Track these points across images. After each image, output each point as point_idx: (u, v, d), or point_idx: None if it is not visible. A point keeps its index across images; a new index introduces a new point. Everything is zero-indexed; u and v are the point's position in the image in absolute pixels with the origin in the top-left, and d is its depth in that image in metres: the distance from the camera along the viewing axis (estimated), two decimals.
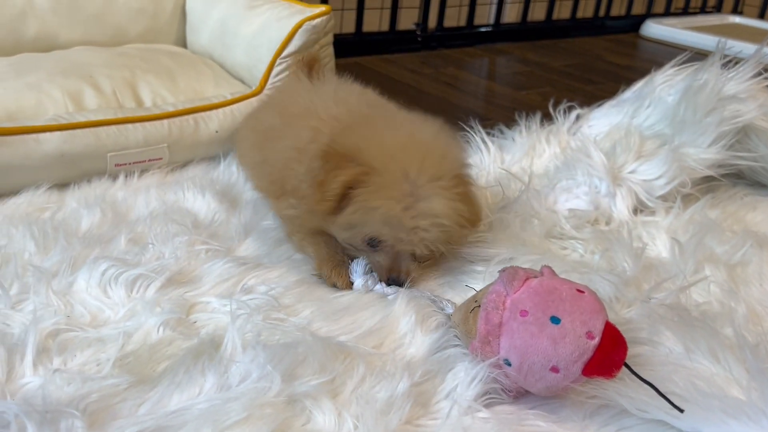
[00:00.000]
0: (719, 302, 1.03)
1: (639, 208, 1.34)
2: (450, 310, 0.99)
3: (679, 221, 1.29)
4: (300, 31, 1.54)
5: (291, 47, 1.54)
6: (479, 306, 0.87)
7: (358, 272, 1.06)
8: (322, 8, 1.58)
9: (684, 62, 1.56)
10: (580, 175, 1.35)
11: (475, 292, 0.94)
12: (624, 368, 0.82)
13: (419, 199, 0.95)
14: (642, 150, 1.41)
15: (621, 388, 0.80)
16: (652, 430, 0.82)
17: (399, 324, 0.96)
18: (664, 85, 1.52)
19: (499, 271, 0.87)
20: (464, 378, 0.85)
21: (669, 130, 1.45)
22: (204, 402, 0.78)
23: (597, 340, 0.80)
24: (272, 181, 1.13)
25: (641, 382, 0.81)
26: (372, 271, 1.05)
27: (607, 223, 1.29)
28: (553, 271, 0.89)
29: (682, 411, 0.78)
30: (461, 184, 1.00)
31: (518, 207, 1.24)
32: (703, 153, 1.39)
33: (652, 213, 1.34)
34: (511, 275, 0.86)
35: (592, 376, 0.80)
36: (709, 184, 1.46)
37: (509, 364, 0.83)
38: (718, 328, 0.94)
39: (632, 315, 0.97)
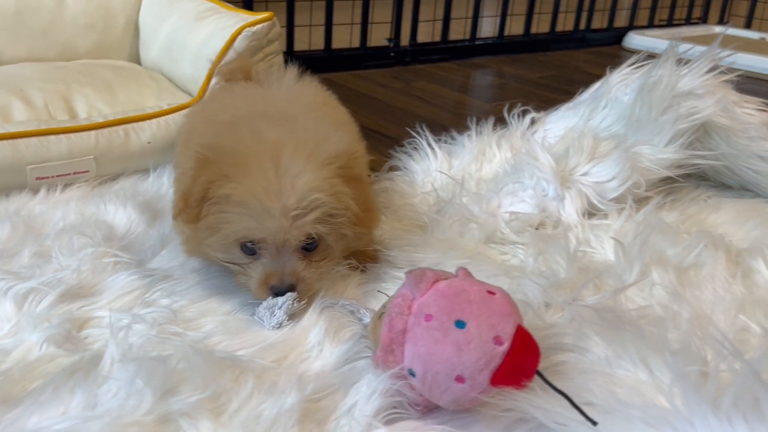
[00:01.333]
0: (662, 306, 0.94)
1: (590, 212, 1.26)
2: (368, 319, 0.91)
3: (630, 224, 1.20)
4: (239, 37, 1.49)
5: (230, 55, 1.48)
6: (386, 313, 0.79)
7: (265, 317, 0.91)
8: (265, 14, 1.53)
9: (642, 61, 1.49)
10: (527, 178, 1.28)
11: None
12: (536, 377, 0.74)
13: (286, 178, 0.84)
14: (596, 152, 1.34)
15: (535, 400, 0.72)
16: None
17: (307, 336, 0.89)
18: (620, 85, 1.45)
19: (406, 273, 0.80)
20: (365, 391, 0.77)
21: (624, 130, 1.38)
22: (63, 422, 0.70)
23: (506, 345, 0.72)
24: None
25: (556, 393, 0.73)
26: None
27: (555, 227, 1.21)
28: (468, 273, 0.82)
29: (595, 423, 0.70)
30: (346, 168, 0.89)
31: (453, 210, 1.16)
32: (659, 153, 1.32)
33: (605, 216, 1.26)
34: (418, 277, 0.78)
35: (501, 386, 0.72)
36: (670, 186, 1.38)
37: (413, 375, 0.75)
38: (657, 333, 0.85)
39: (560, 320, 0.89)
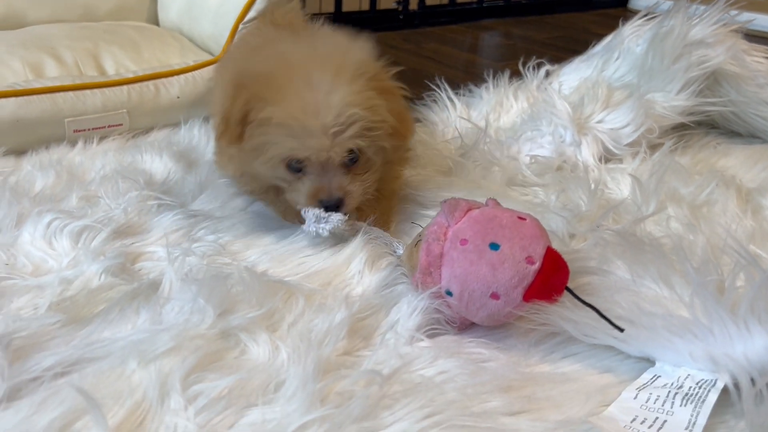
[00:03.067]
0: (678, 236, 1.00)
1: (606, 157, 1.32)
2: (401, 251, 0.97)
3: (645, 166, 1.26)
4: None
5: (253, 11, 1.52)
6: (422, 240, 0.85)
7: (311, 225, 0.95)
8: None
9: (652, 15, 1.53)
10: (544, 125, 1.33)
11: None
12: (566, 293, 0.80)
13: (321, 96, 0.86)
14: (610, 100, 1.39)
15: (564, 313, 0.78)
16: (599, 355, 0.80)
17: (349, 265, 0.94)
18: (632, 36, 1.49)
19: (441, 203, 0.85)
20: (406, 310, 0.83)
21: (637, 79, 1.42)
22: (134, 334, 0.76)
23: (537, 264, 0.78)
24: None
25: (585, 307, 0.79)
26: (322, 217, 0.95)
27: (572, 171, 1.26)
28: (497, 203, 0.87)
29: (622, 330, 0.76)
30: (376, 80, 0.91)
31: (477, 155, 1.22)
32: (672, 100, 1.37)
33: (620, 161, 1.32)
34: (453, 206, 0.84)
35: (534, 301, 0.78)
36: (680, 133, 1.43)
37: (450, 294, 0.81)
38: (675, 255, 0.91)
39: (583, 246, 0.95)
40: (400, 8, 2.80)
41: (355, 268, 0.93)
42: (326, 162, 0.91)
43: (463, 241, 0.80)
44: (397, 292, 0.88)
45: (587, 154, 1.28)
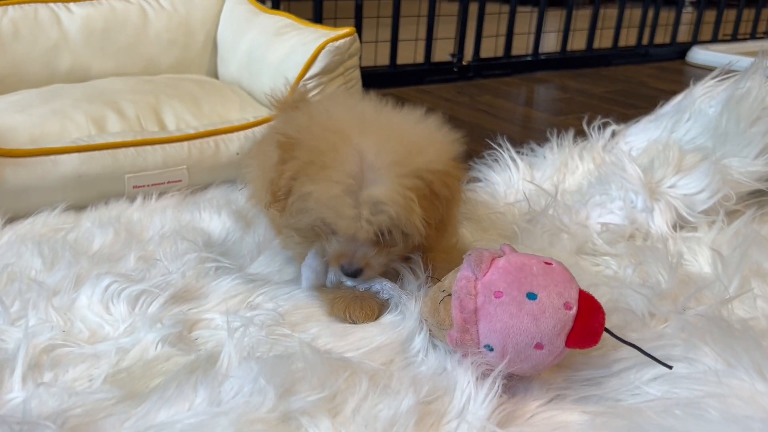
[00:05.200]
0: (767, 318, 0.93)
1: (680, 224, 1.25)
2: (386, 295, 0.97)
3: (723, 236, 1.19)
4: (323, 52, 1.52)
5: (314, 69, 1.52)
6: (449, 295, 0.83)
7: (306, 277, 1.00)
8: (346, 30, 1.56)
9: (725, 75, 1.48)
10: (614, 189, 1.27)
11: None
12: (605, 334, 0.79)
13: (362, 183, 0.86)
14: (682, 164, 1.33)
15: None
16: None
17: (413, 341, 0.90)
18: (704, 97, 1.44)
19: (465, 257, 0.84)
20: (474, 394, 0.77)
21: (711, 142, 1.36)
22: (191, 417, 0.72)
23: (575, 309, 0.77)
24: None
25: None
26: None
27: (645, 239, 1.20)
28: (513, 248, 0.86)
29: (670, 368, 0.77)
30: (432, 183, 0.89)
31: (545, 221, 1.17)
32: (749, 165, 1.30)
33: (694, 229, 1.25)
34: (478, 258, 0.82)
35: (575, 347, 0.78)
36: (758, 199, 1.35)
37: (491, 349, 0.79)
38: (764, 344, 0.84)
39: (667, 330, 0.88)
40: (455, 60, 2.79)
41: (419, 344, 0.89)
42: (355, 237, 0.91)
43: (498, 294, 0.79)
44: (460, 370, 0.83)
45: (660, 221, 1.22)
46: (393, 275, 1.01)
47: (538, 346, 0.77)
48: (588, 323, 0.77)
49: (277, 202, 0.93)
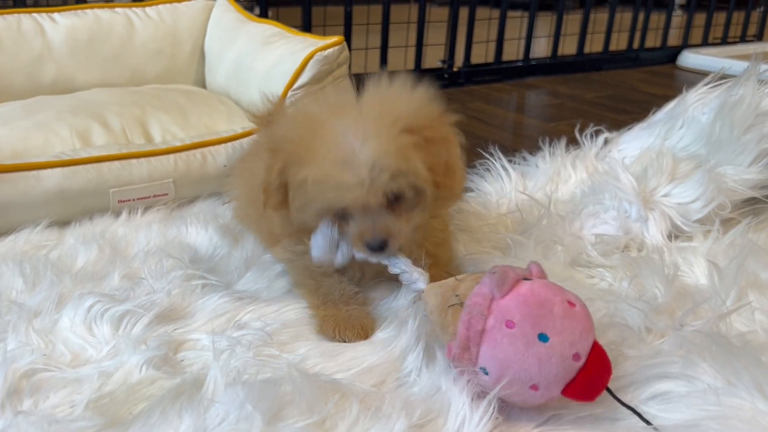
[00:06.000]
0: (766, 331, 0.91)
1: (674, 234, 1.23)
2: (422, 285, 0.91)
3: (719, 246, 1.17)
4: (311, 62, 1.50)
5: (303, 78, 1.50)
6: (461, 304, 0.80)
7: (317, 245, 0.95)
8: (335, 39, 1.54)
9: (717, 81, 1.46)
10: (608, 199, 1.26)
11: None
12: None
13: (353, 148, 0.83)
14: (676, 172, 1.31)
15: None
16: None
17: (404, 360, 0.88)
18: (697, 104, 1.42)
19: (488, 272, 0.80)
20: (469, 416, 0.75)
21: (704, 150, 1.35)
22: None
23: (582, 361, 0.74)
24: (269, 231, 1.05)
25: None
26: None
27: (639, 250, 1.18)
28: (542, 269, 0.82)
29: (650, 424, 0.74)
30: (422, 130, 0.86)
31: (539, 233, 1.15)
32: (743, 173, 1.28)
33: (689, 238, 1.23)
34: (502, 278, 0.78)
35: (571, 398, 0.75)
36: (753, 207, 1.34)
37: (486, 373, 0.77)
38: (764, 359, 0.82)
39: (664, 346, 0.86)
40: (445, 66, 2.78)
41: (411, 364, 0.87)
42: (367, 206, 0.87)
43: (509, 324, 0.75)
44: (455, 391, 0.80)
45: (655, 231, 1.20)
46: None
47: (534, 387, 0.74)
48: (591, 379, 0.74)
49: (271, 199, 0.91)
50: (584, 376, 0.74)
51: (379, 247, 0.89)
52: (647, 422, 0.75)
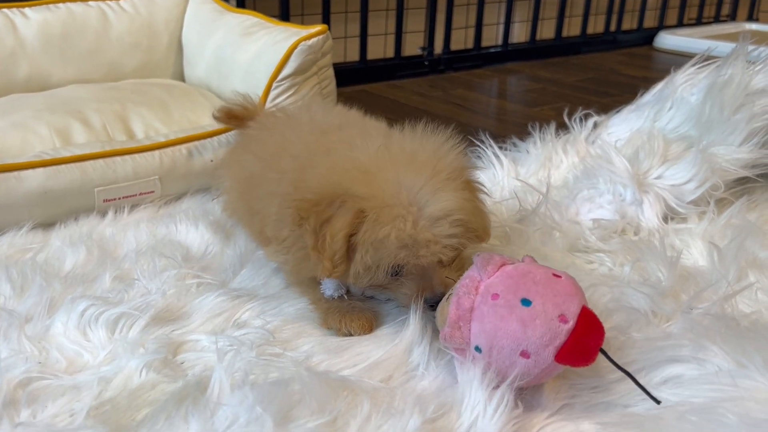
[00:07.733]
0: None
1: (669, 215, 1.23)
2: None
3: (714, 226, 1.17)
4: (296, 52, 1.47)
5: (287, 69, 1.47)
6: (453, 293, 0.81)
7: (328, 286, 0.95)
8: (318, 27, 1.51)
9: (704, 61, 1.46)
10: (602, 183, 1.25)
11: None
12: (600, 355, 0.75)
13: (424, 205, 0.83)
14: (667, 153, 1.31)
15: None
16: None
17: (411, 354, 0.86)
18: (685, 85, 1.42)
19: (474, 256, 0.81)
20: (482, 409, 0.74)
21: (695, 131, 1.34)
22: None
23: (571, 324, 0.74)
24: (260, 230, 1.01)
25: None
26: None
27: (636, 233, 1.18)
28: (534, 260, 0.83)
29: (659, 402, 0.73)
30: (469, 182, 0.89)
31: (537, 219, 1.14)
32: (735, 152, 1.28)
33: (684, 220, 1.23)
34: (486, 260, 0.80)
35: (566, 364, 0.74)
36: (744, 186, 1.34)
37: (479, 351, 0.77)
38: None
39: (673, 329, 0.86)
40: (425, 53, 2.75)
41: (417, 357, 0.85)
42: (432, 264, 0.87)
43: (494, 296, 0.76)
44: (467, 383, 0.79)
45: (651, 214, 1.20)
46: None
47: (524, 354, 0.73)
48: (582, 341, 0.73)
49: (338, 269, 0.85)
50: (575, 338, 0.73)
51: (437, 301, 0.87)
52: (642, 388, 0.74)
